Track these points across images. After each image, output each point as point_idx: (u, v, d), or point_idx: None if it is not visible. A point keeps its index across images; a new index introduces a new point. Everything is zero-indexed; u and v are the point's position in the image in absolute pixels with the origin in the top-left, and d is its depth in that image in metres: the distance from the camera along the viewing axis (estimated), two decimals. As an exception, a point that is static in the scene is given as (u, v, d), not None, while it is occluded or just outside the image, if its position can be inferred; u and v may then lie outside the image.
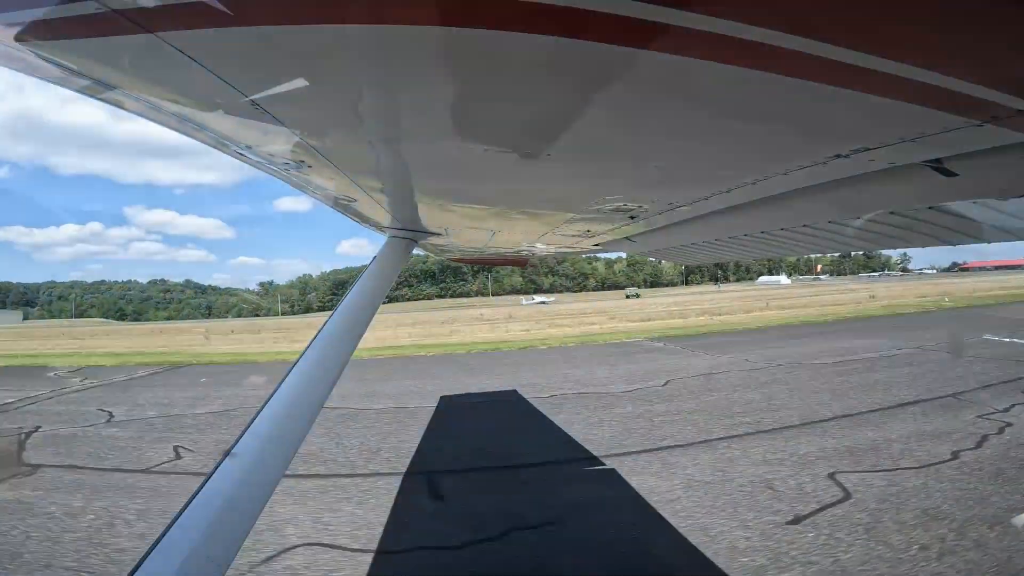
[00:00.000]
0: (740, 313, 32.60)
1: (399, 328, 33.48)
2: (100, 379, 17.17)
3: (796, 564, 4.39)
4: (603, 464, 7.00)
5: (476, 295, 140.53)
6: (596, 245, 3.54)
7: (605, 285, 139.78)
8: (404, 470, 7.23)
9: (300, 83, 1.00)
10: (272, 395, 1.90)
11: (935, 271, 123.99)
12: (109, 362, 22.33)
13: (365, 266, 2.73)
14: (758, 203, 1.86)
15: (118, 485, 7.05)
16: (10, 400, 13.44)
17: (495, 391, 12.34)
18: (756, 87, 0.89)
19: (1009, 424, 7.61)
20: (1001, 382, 10.21)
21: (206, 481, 1.59)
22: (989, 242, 2.31)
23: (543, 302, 79.60)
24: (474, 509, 5.83)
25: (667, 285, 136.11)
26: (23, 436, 9.71)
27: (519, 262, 5.72)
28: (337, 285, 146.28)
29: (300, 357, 2.07)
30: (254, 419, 1.79)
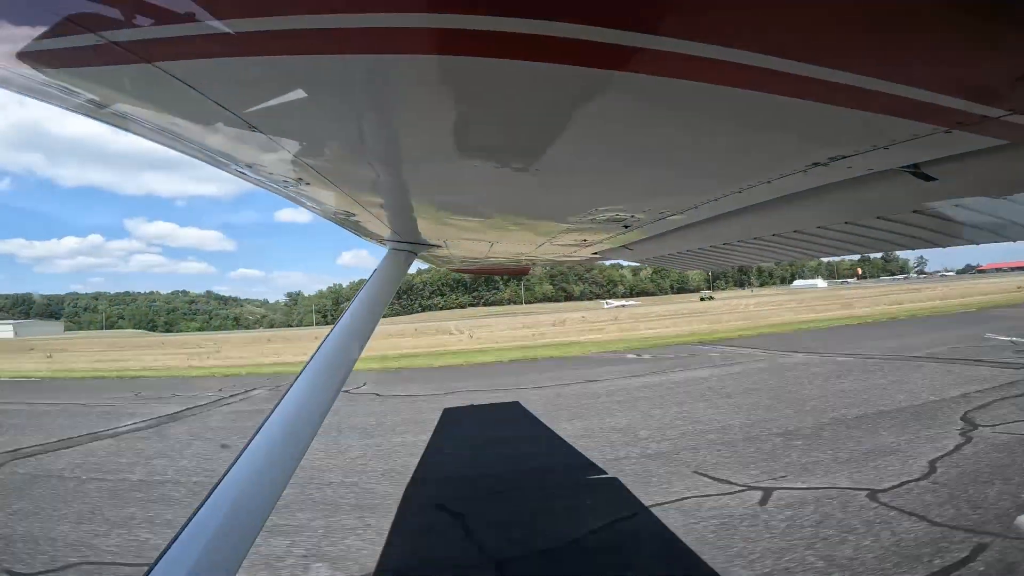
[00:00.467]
0: (837, 310, 33.80)
1: (511, 331, 34.82)
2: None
3: None
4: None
5: (508, 303, 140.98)
6: (594, 254, 3.59)
7: (633, 292, 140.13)
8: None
9: (298, 108, 1.05)
10: (277, 405, 1.93)
11: (953, 273, 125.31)
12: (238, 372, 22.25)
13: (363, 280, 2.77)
14: (748, 210, 1.90)
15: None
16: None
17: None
18: (732, 103, 0.94)
19: None
20: None
21: (213, 490, 1.62)
22: (977, 243, 2.35)
23: (623, 305, 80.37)
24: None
25: (693, 291, 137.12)
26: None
27: (519, 271, 5.76)
28: None
29: (304, 368, 2.10)
30: (259, 430, 1.83)
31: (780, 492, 5.84)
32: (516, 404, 11.79)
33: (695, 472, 6.66)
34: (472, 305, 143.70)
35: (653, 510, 5.59)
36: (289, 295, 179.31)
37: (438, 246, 3.09)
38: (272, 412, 1.91)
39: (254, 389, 16.95)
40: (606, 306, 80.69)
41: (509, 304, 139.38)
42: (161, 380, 21.08)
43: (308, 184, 1.64)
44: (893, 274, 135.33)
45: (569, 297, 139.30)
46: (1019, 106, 0.94)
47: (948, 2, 0.71)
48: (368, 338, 2.45)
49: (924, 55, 0.82)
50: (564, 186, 1.64)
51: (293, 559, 5.05)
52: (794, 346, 18.86)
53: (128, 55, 0.84)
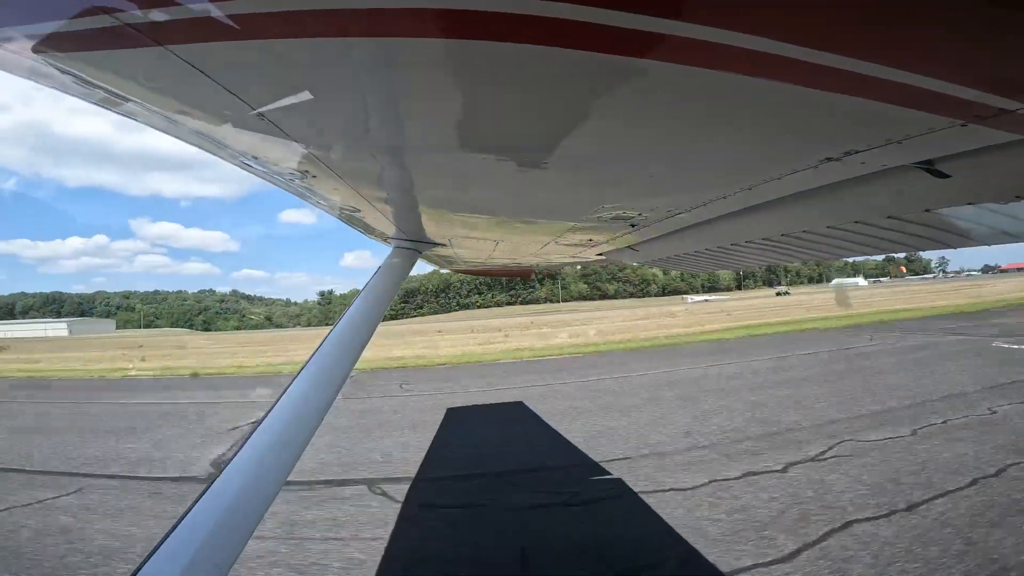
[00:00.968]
0: (928, 302, 35.45)
1: (609, 323, 37.12)
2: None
3: None
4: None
5: (545, 301, 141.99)
6: (599, 255, 3.57)
7: (665, 291, 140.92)
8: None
9: (305, 95, 1.04)
10: (276, 402, 1.92)
11: (979, 272, 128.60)
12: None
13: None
14: (756, 209, 1.88)
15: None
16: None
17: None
18: (744, 93, 0.92)
19: None
20: None
21: (208, 487, 1.61)
22: (988, 244, 2.32)
23: (707, 300, 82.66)
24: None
25: (724, 290, 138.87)
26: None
27: (523, 273, 5.75)
28: (408, 293, 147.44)
29: (305, 365, 2.09)
30: (257, 427, 1.81)
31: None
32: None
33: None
34: (509, 304, 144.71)
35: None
36: (321, 294, 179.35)
37: (442, 245, 3.07)
38: (271, 409, 1.90)
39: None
40: (689, 301, 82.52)
41: (546, 303, 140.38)
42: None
43: (315, 177, 1.63)
44: (916, 273, 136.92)
45: (604, 296, 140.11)
46: None
47: None
48: (370, 336, 2.43)
49: (942, 43, 0.80)
50: (572, 182, 1.62)
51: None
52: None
53: (143, 38, 0.83)
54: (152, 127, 1.35)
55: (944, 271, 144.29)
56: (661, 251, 3.22)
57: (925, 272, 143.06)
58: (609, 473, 7.33)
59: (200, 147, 1.47)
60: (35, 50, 0.93)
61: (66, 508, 7.19)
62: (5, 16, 0.86)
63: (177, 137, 1.40)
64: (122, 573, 5.18)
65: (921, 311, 30.64)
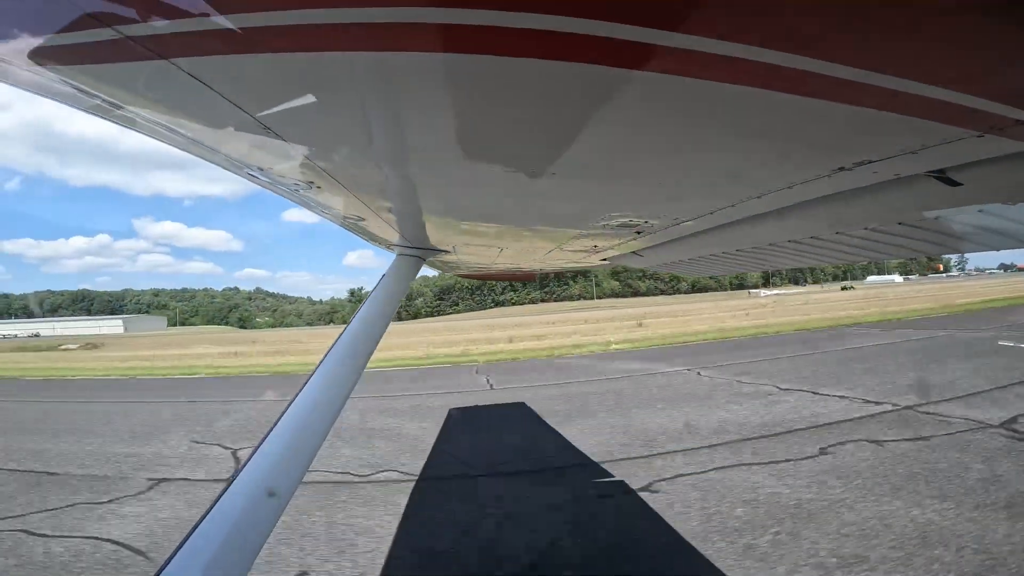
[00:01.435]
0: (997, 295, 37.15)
1: (709, 314, 40.17)
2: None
3: None
4: None
5: (578, 298, 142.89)
6: (603, 260, 3.55)
7: (695, 288, 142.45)
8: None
9: (310, 108, 1.03)
10: (287, 408, 1.96)
11: (1001, 271, 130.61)
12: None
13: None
14: (764, 216, 1.86)
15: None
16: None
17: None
18: (756, 104, 0.91)
19: None
20: None
21: (224, 491, 1.66)
22: (997, 249, 2.30)
23: (779, 294, 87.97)
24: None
25: (752, 287, 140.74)
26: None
27: (527, 277, 5.74)
28: (444, 291, 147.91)
29: (313, 372, 2.11)
30: (270, 432, 1.85)
31: None
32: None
33: None
34: (544, 300, 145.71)
35: None
36: (352, 291, 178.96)
37: (446, 252, 3.07)
38: (282, 415, 1.92)
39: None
40: (762, 295, 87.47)
41: (579, 300, 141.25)
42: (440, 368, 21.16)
43: (319, 188, 1.62)
44: (936, 272, 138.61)
45: (636, 293, 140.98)
46: None
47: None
48: (377, 343, 2.44)
49: (960, 54, 0.78)
50: (577, 191, 1.61)
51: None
52: None
53: (144, 51, 0.82)
54: (154, 138, 1.35)
55: (963, 269, 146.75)
56: (666, 256, 3.21)
57: (945, 270, 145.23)
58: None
59: (203, 158, 1.46)
60: (33, 62, 0.92)
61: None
62: (2, 29, 0.86)
63: (179, 148, 1.39)
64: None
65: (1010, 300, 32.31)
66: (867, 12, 0.68)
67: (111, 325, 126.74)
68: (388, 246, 3.03)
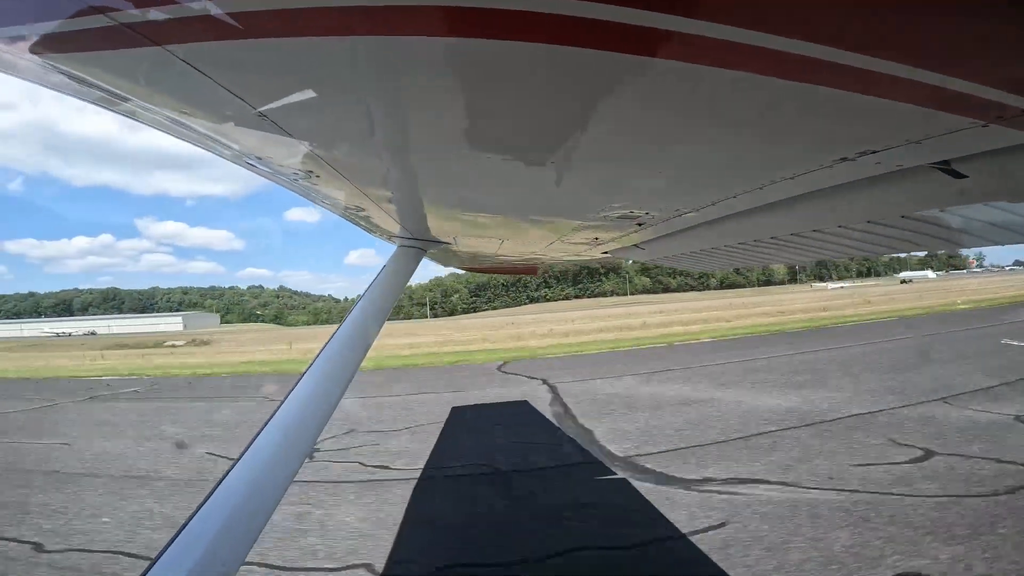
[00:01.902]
0: None
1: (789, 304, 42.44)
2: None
3: None
4: None
5: (611, 294, 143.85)
6: (604, 253, 3.54)
7: (723, 284, 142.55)
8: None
9: (309, 95, 1.02)
10: (283, 402, 1.93)
11: (1014, 267, 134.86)
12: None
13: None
14: (767, 208, 1.85)
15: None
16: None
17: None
18: (759, 92, 0.90)
19: None
20: None
21: (216, 487, 1.62)
22: (1001, 244, 2.28)
23: (842, 286, 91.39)
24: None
25: (779, 283, 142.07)
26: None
27: (528, 270, 5.73)
28: (479, 287, 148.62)
29: (311, 365, 2.09)
30: (264, 427, 1.82)
31: None
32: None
33: None
34: (578, 297, 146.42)
35: None
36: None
37: (447, 243, 3.06)
38: (278, 409, 1.90)
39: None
40: (829, 288, 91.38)
41: (612, 295, 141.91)
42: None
43: (318, 177, 1.61)
44: (956, 268, 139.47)
45: (666, 289, 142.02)
46: None
47: None
48: (375, 336, 2.42)
49: (966, 43, 0.77)
50: (579, 181, 1.60)
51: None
52: None
53: (141, 38, 0.82)
54: (153, 127, 1.34)
55: (981, 266, 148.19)
56: (668, 249, 3.19)
57: (964, 267, 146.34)
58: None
59: (202, 147, 1.45)
60: (32, 51, 0.92)
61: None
62: (1, 17, 0.85)
63: (179, 137, 1.39)
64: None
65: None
66: None
67: (171, 322, 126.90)
68: (389, 237, 3.02)
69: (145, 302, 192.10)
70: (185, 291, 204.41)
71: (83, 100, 1.18)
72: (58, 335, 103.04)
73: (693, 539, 5.07)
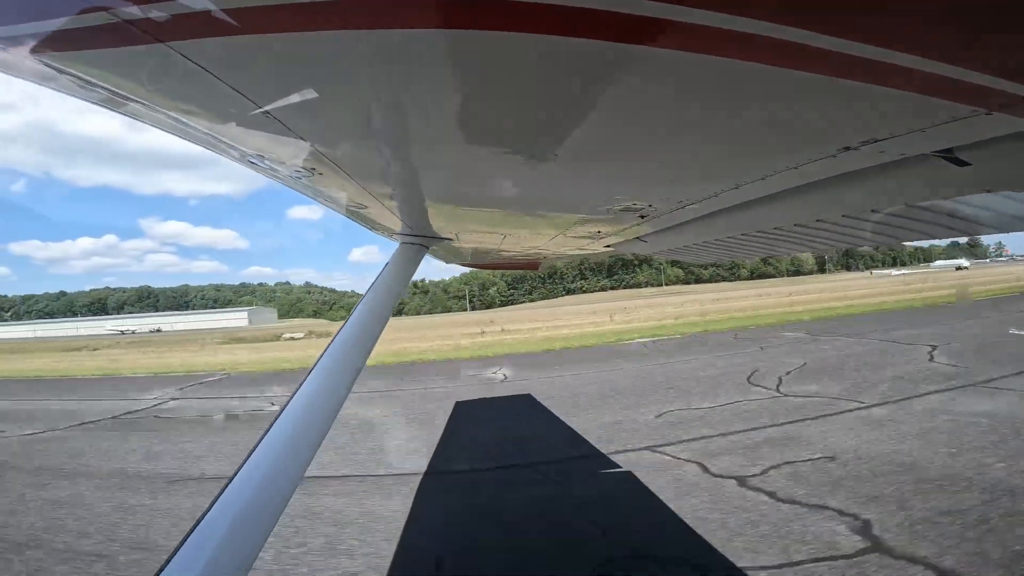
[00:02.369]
0: None
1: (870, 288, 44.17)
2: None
3: None
4: None
5: (646, 285, 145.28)
6: (607, 247, 3.54)
7: (754, 275, 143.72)
8: None
9: (308, 90, 1.02)
10: (290, 400, 1.94)
11: None
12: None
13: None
14: (770, 199, 1.85)
15: None
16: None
17: None
18: (762, 81, 0.89)
19: None
20: None
21: (226, 487, 1.63)
22: (1006, 232, 2.27)
23: (904, 273, 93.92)
24: None
25: (808, 274, 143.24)
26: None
27: (530, 265, 5.73)
28: (516, 280, 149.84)
29: (316, 363, 2.10)
30: (272, 426, 1.83)
31: None
32: None
33: None
34: (613, 288, 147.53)
35: None
36: (415, 283, 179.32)
37: (449, 239, 3.06)
38: (284, 408, 1.91)
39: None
40: (893, 274, 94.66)
41: (647, 287, 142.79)
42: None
43: (319, 174, 1.61)
44: (977, 258, 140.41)
45: (699, 280, 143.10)
46: None
47: None
48: (379, 333, 2.43)
49: (967, 30, 0.77)
50: (580, 173, 1.60)
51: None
52: None
53: (141, 35, 0.81)
54: (154, 126, 1.34)
55: (1002, 254, 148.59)
56: (671, 242, 3.19)
57: (986, 256, 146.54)
58: None
59: (202, 145, 1.45)
60: (32, 51, 0.92)
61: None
62: (4, 18, 0.85)
63: (181, 136, 1.39)
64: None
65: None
66: None
67: (237, 317, 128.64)
68: (391, 234, 3.02)
69: (179, 300, 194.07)
70: (217, 288, 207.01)
71: (87, 101, 1.18)
72: (122, 332, 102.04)
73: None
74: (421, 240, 2.89)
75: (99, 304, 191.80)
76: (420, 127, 1.25)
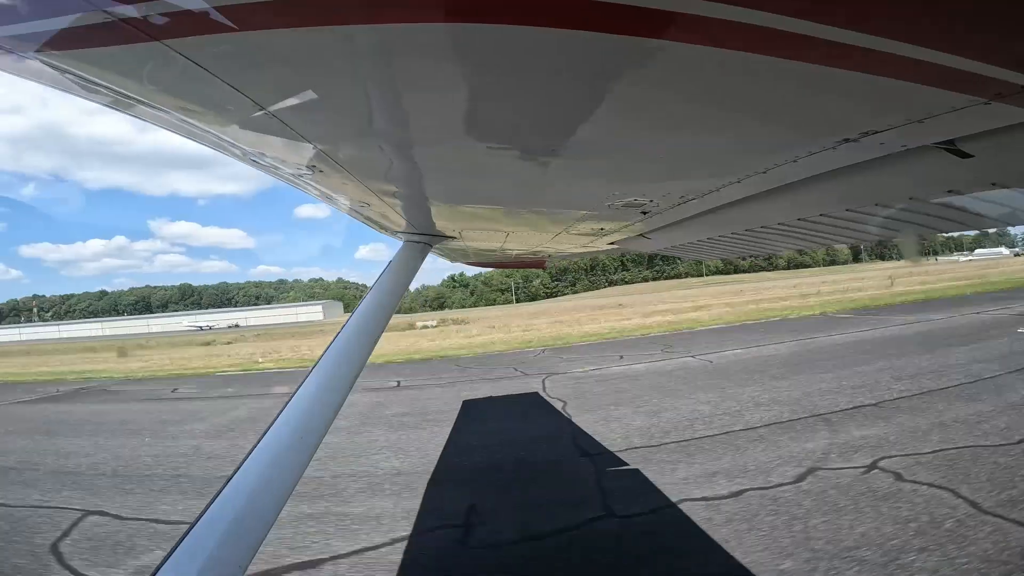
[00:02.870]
0: None
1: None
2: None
3: None
4: None
5: (686, 276, 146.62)
6: (611, 244, 3.53)
7: (790, 265, 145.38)
8: None
9: (310, 89, 1.02)
10: (292, 397, 1.93)
11: None
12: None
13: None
14: (772, 193, 1.84)
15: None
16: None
17: None
18: (759, 72, 0.89)
19: None
20: None
21: (224, 485, 1.62)
22: (1012, 225, 2.25)
23: (971, 259, 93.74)
24: None
25: (843, 263, 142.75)
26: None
27: (536, 264, 5.72)
28: (560, 272, 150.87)
29: (319, 360, 2.10)
30: (274, 422, 1.83)
31: None
32: None
33: None
34: (655, 279, 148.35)
35: None
36: (452, 277, 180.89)
37: (453, 238, 3.07)
38: (286, 405, 1.91)
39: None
40: (960, 259, 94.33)
41: (686, 277, 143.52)
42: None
43: (322, 173, 1.62)
44: (1008, 247, 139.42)
45: (737, 270, 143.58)
46: None
47: None
48: (382, 331, 2.43)
49: (962, 19, 0.76)
50: (583, 170, 1.60)
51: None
52: None
53: (140, 34, 0.82)
54: (160, 126, 1.35)
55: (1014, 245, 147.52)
56: (674, 238, 3.18)
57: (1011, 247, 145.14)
58: None
59: (208, 145, 1.47)
60: (34, 51, 0.93)
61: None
62: (8, 18, 0.86)
63: (185, 136, 1.40)
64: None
65: None
66: None
67: (312, 311, 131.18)
68: (395, 233, 3.03)
69: (221, 297, 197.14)
70: (257, 284, 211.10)
71: (92, 101, 1.20)
72: (200, 328, 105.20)
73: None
74: (425, 239, 2.90)
75: (143, 302, 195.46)
76: (423, 125, 1.26)
